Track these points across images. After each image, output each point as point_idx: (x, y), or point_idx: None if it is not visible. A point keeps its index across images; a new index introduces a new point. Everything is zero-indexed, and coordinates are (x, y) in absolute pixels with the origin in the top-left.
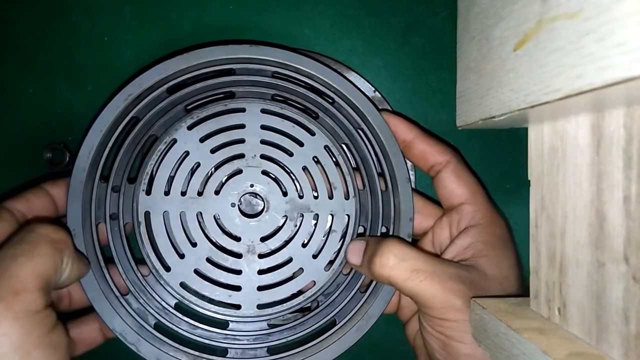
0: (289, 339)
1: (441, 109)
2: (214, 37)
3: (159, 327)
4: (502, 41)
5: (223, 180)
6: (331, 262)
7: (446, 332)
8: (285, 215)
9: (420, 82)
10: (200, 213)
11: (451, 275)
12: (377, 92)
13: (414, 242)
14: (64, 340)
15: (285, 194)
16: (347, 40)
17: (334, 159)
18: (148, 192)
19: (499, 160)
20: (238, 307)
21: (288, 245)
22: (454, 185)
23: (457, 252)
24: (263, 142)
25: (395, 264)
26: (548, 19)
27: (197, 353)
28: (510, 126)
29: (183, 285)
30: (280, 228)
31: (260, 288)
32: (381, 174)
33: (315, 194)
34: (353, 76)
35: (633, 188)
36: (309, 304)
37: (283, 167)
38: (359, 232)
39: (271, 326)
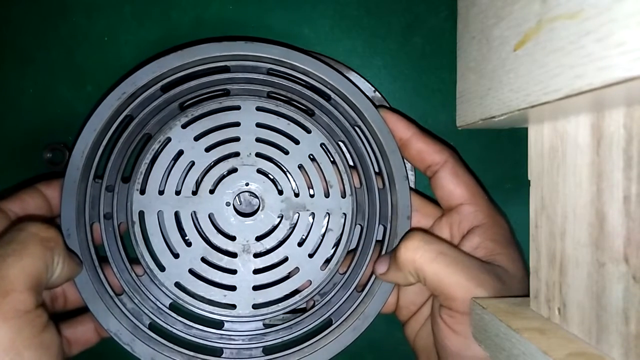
0: (285, 338)
1: (441, 109)
2: (212, 37)
3: (154, 327)
4: (502, 41)
5: (218, 179)
6: (327, 261)
7: (467, 331)
8: (281, 214)
9: (420, 82)
10: (195, 212)
11: (477, 265)
12: (377, 92)
13: None
14: (56, 340)
15: (280, 192)
16: (347, 40)
17: (331, 157)
18: (142, 192)
19: (499, 160)
20: (233, 306)
21: (284, 245)
22: (453, 185)
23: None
24: (258, 140)
25: (421, 245)
26: (548, 19)
27: (192, 353)
28: (510, 126)
29: (178, 285)
30: (275, 227)
31: (255, 288)
32: (378, 172)
33: (312, 193)
34: (353, 76)
35: (633, 188)
36: (305, 304)
37: (279, 166)
38: (355, 231)
39: (267, 326)
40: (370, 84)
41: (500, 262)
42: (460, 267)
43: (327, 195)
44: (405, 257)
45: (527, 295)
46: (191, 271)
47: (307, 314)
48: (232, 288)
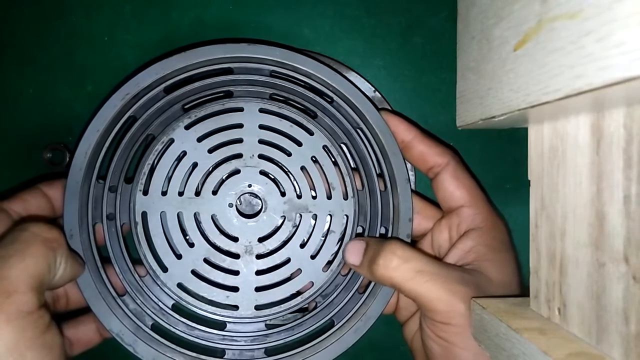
0: (287, 340)
1: (441, 109)
2: (214, 37)
3: (156, 328)
4: (502, 41)
5: (221, 180)
6: (329, 263)
7: (449, 337)
8: (284, 216)
9: (420, 82)
10: (198, 213)
11: (455, 278)
12: (377, 92)
13: (413, 244)
14: (59, 340)
15: (283, 194)
16: (347, 40)
17: (333, 159)
18: (145, 192)
19: (499, 160)
20: (236, 307)
21: (286, 246)
22: (453, 187)
23: (459, 256)
24: (261, 141)
25: (399, 264)
26: (548, 19)
27: (194, 354)
28: (510, 126)
29: (180, 286)
30: (278, 228)
31: (258, 289)
32: (380, 174)
33: (314, 194)
34: (353, 76)
35: (633, 188)
36: (307, 305)
37: (281, 167)
38: (357, 232)
39: (269, 327)
40: (370, 84)
41: (487, 268)
42: (440, 282)
43: (329, 197)
44: (383, 275)
45: (526, 296)
46: (194, 272)
47: (309, 315)
48: (235, 289)
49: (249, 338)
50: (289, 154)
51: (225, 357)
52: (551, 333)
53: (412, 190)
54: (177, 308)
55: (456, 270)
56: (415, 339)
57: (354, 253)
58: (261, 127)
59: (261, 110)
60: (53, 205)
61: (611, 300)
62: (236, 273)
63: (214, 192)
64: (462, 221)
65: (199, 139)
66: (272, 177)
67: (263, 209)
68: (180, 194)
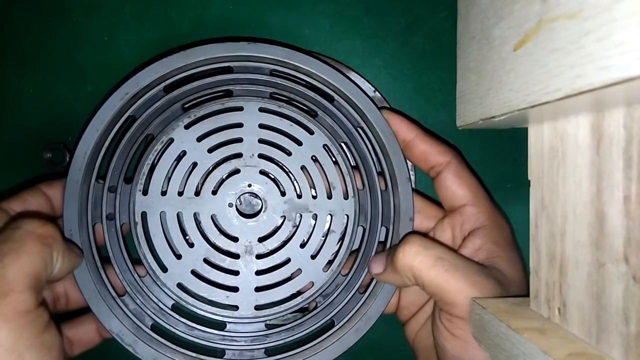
0: (287, 340)
1: (441, 109)
2: (214, 37)
3: (156, 328)
4: (502, 41)
5: (220, 180)
6: (330, 263)
7: (465, 335)
8: (284, 216)
9: (420, 82)
10: (198, 213)
11: (476, 270)
12: (377, 92)
13: None
14: (57, 340)
15: (283, 193)
16: (347, 40)
17: (333, 158)
18: (145, 192)
19: (499, 160)
20: (236, 308)
21: (286, 246)
22: (456, 186)
23: (469, 254)
24: (261, 141)
25: (420, 250)
26: (548, 19)
27: (194, 354)
28: (511, 126)
29: (180, 286)
30: (278, 228)
31: (258, 289)
32: (381, 173)
33: (314, 194)
34: (353, 76)
35: (633, 188)
36: (307, 305)
37: (281, 167)
38: (358, 232)
39: (269, 327)
40: (370, 84)
41: (500, 265)
42: (460, 273)
43: (329, 196)
44: (404, 263)
45: (527, 296)
46: (193, 272)
47: (309, 315)
48: (235, 289)
49: (249, 338)
50: (289, 154)
51: (225, 357)
52: (551, 333)
53: (412, 189)
54: (177, 308)
55: (475, 263)
56: (417, 338)
57: (377, 263)
58: (261, 126)
59: (261, 110)
60: (53, 205)
61: (611, 300)
62: (236, 273)
63: (214, 192)
64: (466, 220)
65: (199, 139)
66: (272, 177)
67: (263, 209)
68: (180, 193)
